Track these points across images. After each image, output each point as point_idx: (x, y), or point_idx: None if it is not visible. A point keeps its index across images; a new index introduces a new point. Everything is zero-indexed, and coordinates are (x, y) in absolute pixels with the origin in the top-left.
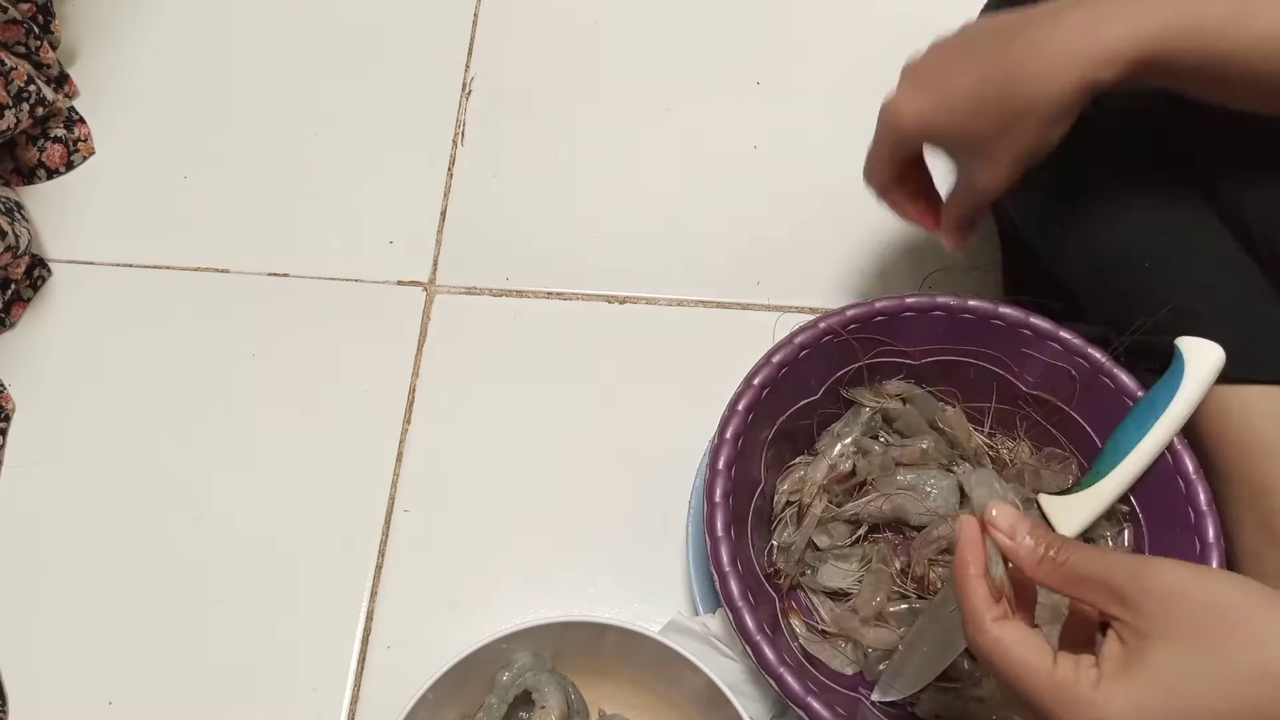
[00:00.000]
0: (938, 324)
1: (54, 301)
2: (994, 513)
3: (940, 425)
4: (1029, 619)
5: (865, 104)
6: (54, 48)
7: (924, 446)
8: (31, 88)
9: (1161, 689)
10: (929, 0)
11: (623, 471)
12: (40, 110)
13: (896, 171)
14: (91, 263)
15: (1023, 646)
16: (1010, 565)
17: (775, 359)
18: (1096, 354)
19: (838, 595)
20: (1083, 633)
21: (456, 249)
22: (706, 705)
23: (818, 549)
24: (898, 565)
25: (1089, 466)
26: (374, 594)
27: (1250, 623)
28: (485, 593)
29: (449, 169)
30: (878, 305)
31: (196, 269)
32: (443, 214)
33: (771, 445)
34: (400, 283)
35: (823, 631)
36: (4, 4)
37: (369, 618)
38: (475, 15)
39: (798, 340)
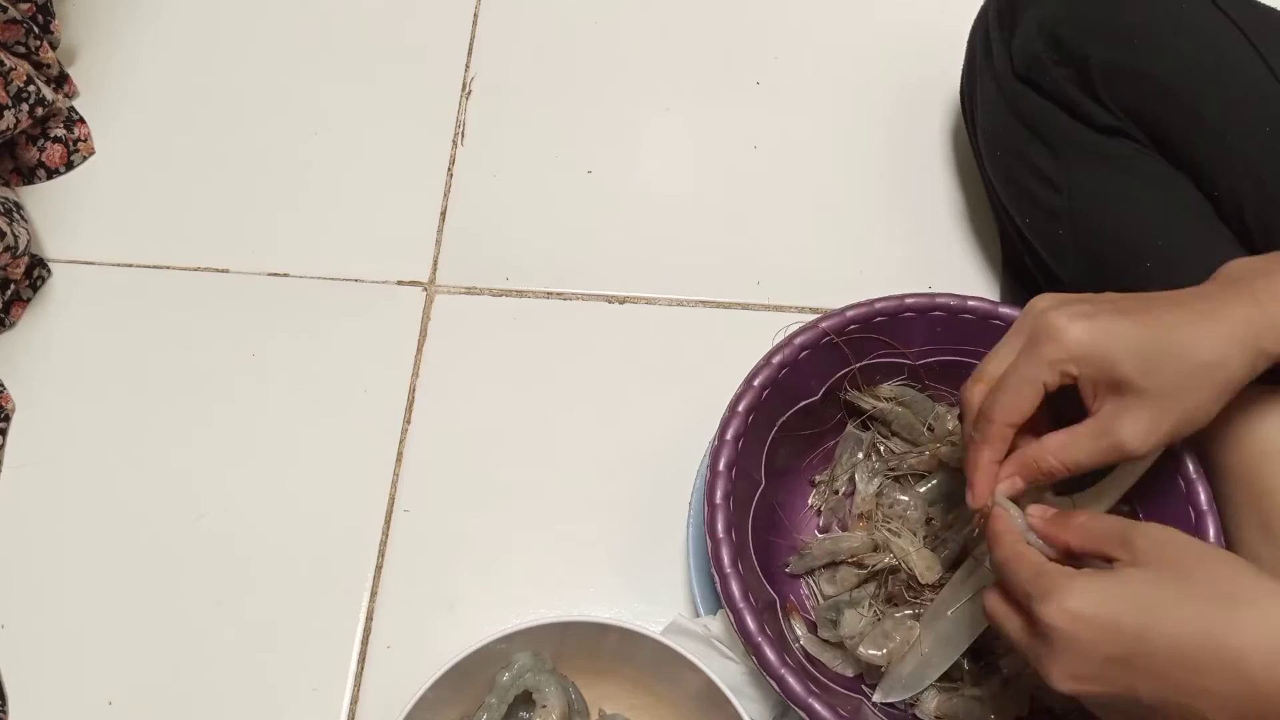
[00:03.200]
0: (937, 324)
1: (53, 301)
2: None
3: (935, 427)
4: None
5: (865, 104)
6: (54, 48)
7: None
8: (31, 88)
9: (1124, 591)
10: (928, 2)
11: (623, 472)
12: (40, 110)
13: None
14: (91, 263)
15: (1028, 552)
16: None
17: (775, 359)
18: None
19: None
20: None
21: (456, 249)
22: (707, 705)
23: (826, 596)
24: (910, 612)
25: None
26: (374, 594)
27: (1222, 564)
28: (485, 593)
29: (449, 169)
30: (877, 305)
31: (196, 269)
32: (443, 214)
33: (772, 446)
34: (400, 283)
35: (824, 639)
36: (4, 4)
37: (369, 618)
38: (475, 15)
39: (798, 341)
